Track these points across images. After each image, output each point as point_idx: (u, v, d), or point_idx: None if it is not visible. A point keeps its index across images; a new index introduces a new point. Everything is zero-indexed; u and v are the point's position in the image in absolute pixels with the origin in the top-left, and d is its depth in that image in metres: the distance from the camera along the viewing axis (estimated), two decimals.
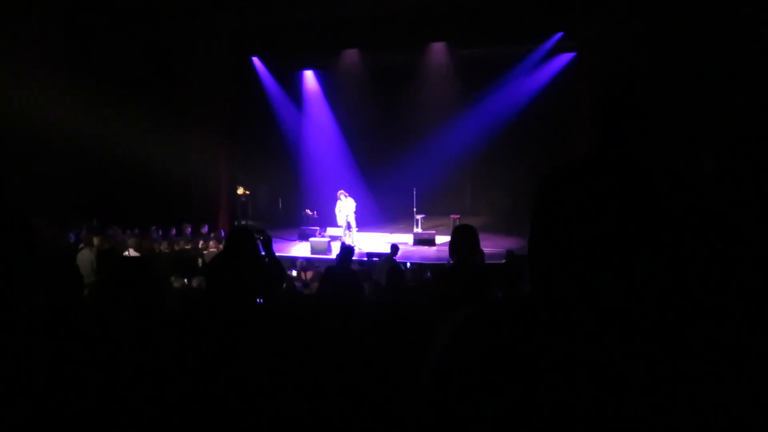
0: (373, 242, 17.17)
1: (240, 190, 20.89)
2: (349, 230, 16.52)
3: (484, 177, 21.18)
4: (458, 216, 17.45)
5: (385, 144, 20.99)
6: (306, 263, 13.46)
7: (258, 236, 4.86)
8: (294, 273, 11.42)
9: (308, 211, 19.51)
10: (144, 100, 16.27)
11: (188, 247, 13.46)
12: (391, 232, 19.16)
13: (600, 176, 1.67)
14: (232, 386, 3.56)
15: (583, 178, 1.70)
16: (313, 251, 15.45)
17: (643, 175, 1.66)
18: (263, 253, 4.90)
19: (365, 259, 13.64)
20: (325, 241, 15.83)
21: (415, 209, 17.91)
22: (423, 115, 20.41)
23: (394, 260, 10.83)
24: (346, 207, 16.35)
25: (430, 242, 16.29)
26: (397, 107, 20.74)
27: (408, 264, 12.24)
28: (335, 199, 16.69)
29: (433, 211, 19.39)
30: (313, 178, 21.58)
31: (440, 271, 4.40)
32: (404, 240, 17.18)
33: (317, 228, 18.07)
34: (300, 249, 16.38)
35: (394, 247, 11.44)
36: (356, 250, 15.57)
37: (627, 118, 1.76)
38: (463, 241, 4.22)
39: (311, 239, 16.26)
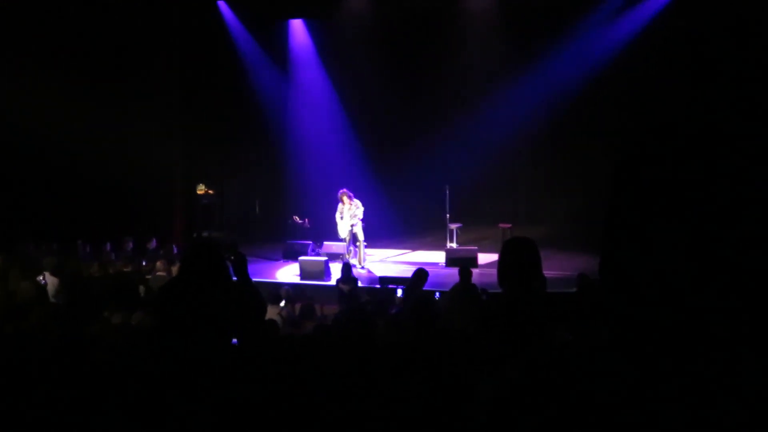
0: (388, 264, 17.15)
1: (201, 189, 20.94)
2: (355, 246, 16.48)
3: (546, 171, 21.10)
4: (510, 226, 17.36)
5: (405, 124, 20.96)
6: (294, 292, 13.43)
7: (227, 255, 4.84)
8: (282, 305, 11.40)
9: (297, 219, 19.51)
10: (66, 62, 16.32)
11: (128, 269, 13.49)
12: (414, 249, 19.10)
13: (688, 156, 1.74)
14: None
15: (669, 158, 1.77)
16: (303, 275, 15.40)
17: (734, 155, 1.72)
18: (234, 278, 4.88)
19: (377, 287, 13.61)
20: (320, 261, 15.78)
21: (448, 216, 17.85)
22: (458, 85, 20.37)
23: (424, 290, 10.83)
24: (350, 213, 16.32)
25: (471, 263, 16.24)
26: (421, 73, 20.71)
27: (437, 294, 12.17)
28: (335, 201, 16.67)
29: (474, 219, 19.32)
30: (304, 173, 21.58)
31: (485, 303, 4.36)
32: (434, 259, 17.12)
33: (309, 242, 18.05)
34: (286, 272, 16.38)
35: (465, 272, 11.32)
36: (362, 272, 15.57)
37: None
38: (518, 261, 4.18)
39: (301, 258, 16.23)
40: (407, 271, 15.04)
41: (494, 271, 4.26)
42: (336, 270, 14.74)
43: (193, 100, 19.29)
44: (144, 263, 14.19)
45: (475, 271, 15.62)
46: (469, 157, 19.69)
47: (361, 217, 16.32)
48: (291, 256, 17.39)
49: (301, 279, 15.20)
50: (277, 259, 17.87)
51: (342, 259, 16.04)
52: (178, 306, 4.48)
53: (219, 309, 4.45)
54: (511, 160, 20.62)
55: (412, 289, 10.83)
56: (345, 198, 16.36)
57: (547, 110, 19.33)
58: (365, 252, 16.65)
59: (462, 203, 18.66)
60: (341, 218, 16.39)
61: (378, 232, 18.18)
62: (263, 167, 22.41)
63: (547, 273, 4.17)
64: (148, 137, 17.83)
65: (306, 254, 16.93)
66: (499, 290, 4.28)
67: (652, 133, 1.84)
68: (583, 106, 18.63)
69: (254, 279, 5.28)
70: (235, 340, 4.74)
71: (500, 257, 4.27)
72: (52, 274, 11.38)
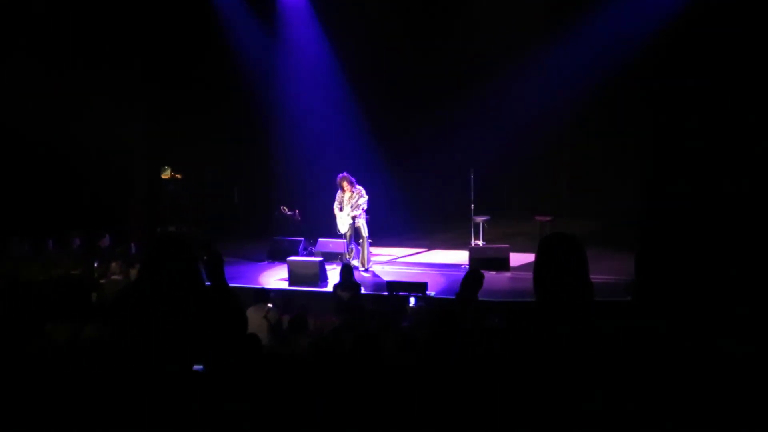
0: (398, 266, 17.15)
1: (166, 174, 20.97)
2: (357, 244, 16.46)
3: (591, 154, 21.06)
4: (549, 218, 17.36)
5: (420, 95, 20.96)
6: (281, 301, 13.42)
7: (199, 254, 4.83)
8: (270, 306, 11.43)
9: (285, 210, 19.51)
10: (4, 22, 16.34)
11: (76, 272, 13.51)
12: (431, 247, 19.11)
13: None
14: None
15: None
16: (293, 279, 15.41)
17: None
18: (208, 283, 4.86)
19: (385, 294, 13.63)
20: (314, 263, 15.79)
21: (473, 206, 17.85)
22: (484, 50, 20.31)
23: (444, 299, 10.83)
24: (351, 203, 16.29)
25: (501, 264, 16.23)
26: (439, 31, 20.69)
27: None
28: (333, 189, 16.66)
29: (506, 211, 19.33)
30: (294, 154, 21.56)
31: (517, 315, 4.33)
32: (455, 260, 17.12)
33: (301, 239, 18.06)
34: (272, 276, 16.38)
35: None
36: (366, 276, 15.56)
37: None
38: (558, 263, 4.17)
39: (291, 259, 16.23)
40: (421, 276, 15.05)
41: (530, 275, 4.24)
42: (334, 274, 14.75)
43: (158, 65, 19.23)
44: (96, 264, 14.20)
45: (506, 275, 15.67)
46: (498, 135, 19.64)
47: (365, 207, 16.25)
48: (278, 256, 17.42)
49: (291, 284, 15.22)
50: (261, 261, 17.89)
51: (341, 259, 16.06)
52: (139, 317, 4.45)
53: (188, 321, 4.42)
54: (552, 138, 20.54)
55: (464, 296, 10.74)
56: (345, 184, 16.29)
57: (595, 78, 19.10)
58: (370, 251, 16.63)
59: (490, 191, 18.66)
60: (340, 209, 16.34)
61: (386, 227, 18.19)
62: (244, 147, 22.37)
63: (595, 278, 4.13)
64: (101, 108, 17.75)
65: (296, 254, 16.95)
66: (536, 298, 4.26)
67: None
68: (639, 74, 18.50)
69: (232, 284, 5.28)
70: (199, 366, 4.70)
71: (537, 258, 4.25)
72: None
